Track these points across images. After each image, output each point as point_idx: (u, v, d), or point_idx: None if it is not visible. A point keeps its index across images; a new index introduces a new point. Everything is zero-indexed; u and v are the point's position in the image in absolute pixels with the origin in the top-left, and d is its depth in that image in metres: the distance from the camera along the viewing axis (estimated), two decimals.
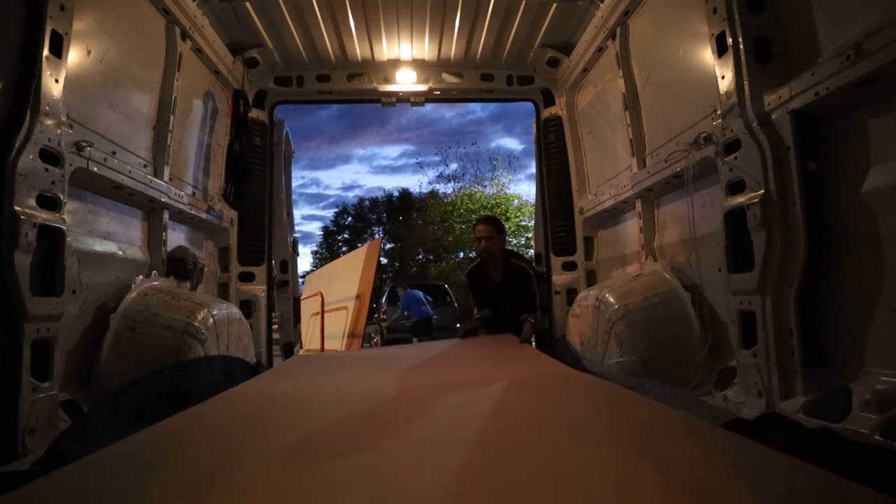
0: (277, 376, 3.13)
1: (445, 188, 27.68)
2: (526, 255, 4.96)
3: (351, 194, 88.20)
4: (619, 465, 1.20)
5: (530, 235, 16.73)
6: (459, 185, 27.13)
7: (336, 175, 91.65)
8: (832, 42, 1.84)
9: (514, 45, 4.36)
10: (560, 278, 4.62)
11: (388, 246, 38.70)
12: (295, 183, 6.11)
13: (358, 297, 8.96)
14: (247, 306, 4.22)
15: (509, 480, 1.13)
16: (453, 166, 36.83)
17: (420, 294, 13.66)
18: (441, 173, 28.15)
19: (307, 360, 4.18)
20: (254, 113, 4.39)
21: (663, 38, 3.10)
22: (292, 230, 5.61)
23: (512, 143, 68.74)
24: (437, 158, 46.92)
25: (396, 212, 39.34)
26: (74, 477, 1.24)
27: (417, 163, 60.51)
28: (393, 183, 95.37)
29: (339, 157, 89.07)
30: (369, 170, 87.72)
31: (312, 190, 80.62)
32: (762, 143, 2.07)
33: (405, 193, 40.10)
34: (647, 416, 1.70)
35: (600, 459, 1.25)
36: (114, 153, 2.57)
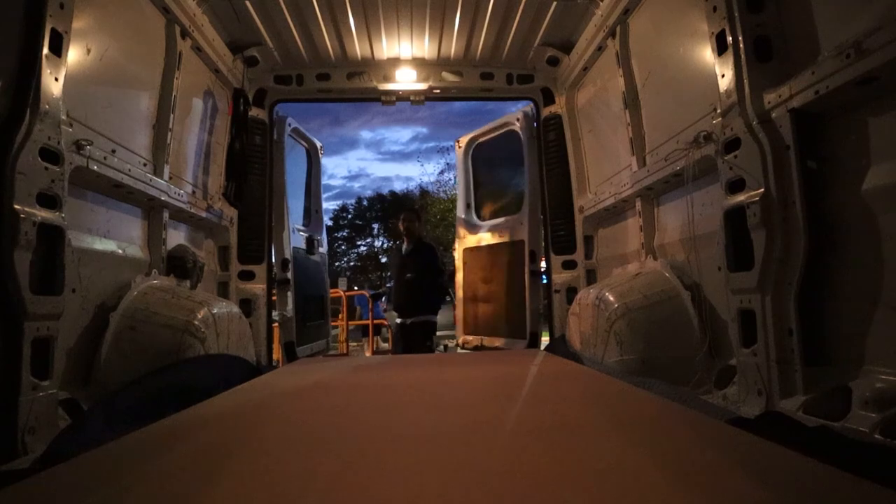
0: (278, 377, 3.13)
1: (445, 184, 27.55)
2: None
3: (357, 184, 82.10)
4: (623, 459, 1.21)
5: None
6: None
7: (341, 162, 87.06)
8: (832, 40, 1.84)
9: (514, 43, 4.35)
10: (560, 277, 4.62)
11: (388, 243, 38.78)
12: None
13: None
14: (247, 305, 4.22)
15: (512, 474, 1.13)
16: None
17: None
18: (442, 170, 28.00)
19: (309, 362, 4.19)
20: (254, 111, 4.39)
21: (663, 37, 3.10)
22: (321, 229, 5.72)
23: None
24: (450, 144, 46.90)
25: (389, 213, 39.40)
26: (72, 473, 1.24)
27: (417, 160, 60.16)
28: (403, 172, 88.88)
29: (343, 142, 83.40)
30: (377, 156, 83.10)
31: None
32: (762, 142, 2.06)
33: (394, 195, 40.99)
34: (651, 411, 1.70)
35: (604, 454, 1.25)
36: (113, 152, 2.57)
